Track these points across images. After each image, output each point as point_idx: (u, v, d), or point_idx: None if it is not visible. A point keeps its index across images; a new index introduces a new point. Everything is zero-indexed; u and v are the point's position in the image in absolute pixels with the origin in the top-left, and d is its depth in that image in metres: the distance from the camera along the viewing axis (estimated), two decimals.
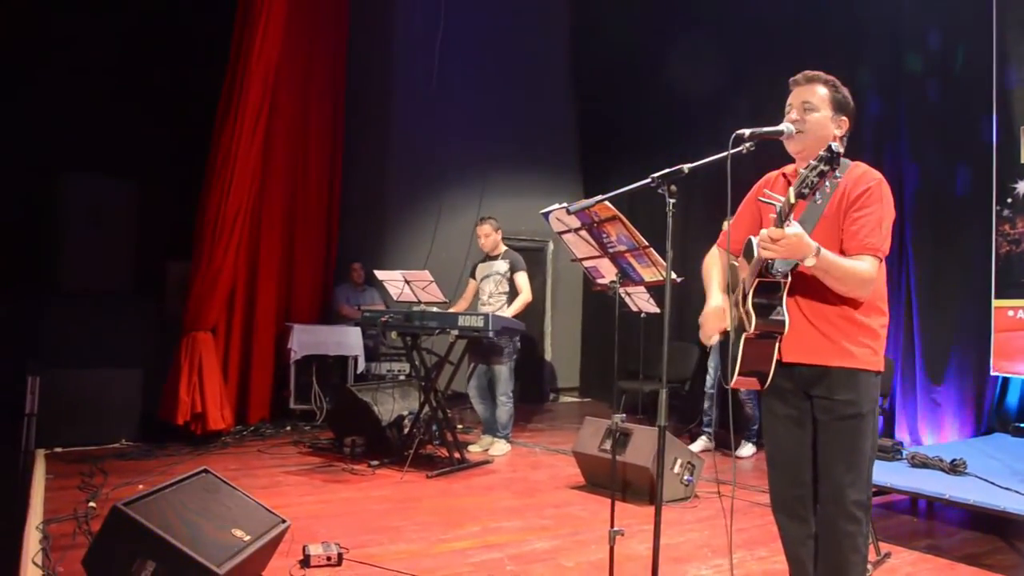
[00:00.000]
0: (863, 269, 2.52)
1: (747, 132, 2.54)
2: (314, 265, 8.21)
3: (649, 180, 2.49)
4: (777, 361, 2.61)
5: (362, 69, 8.63)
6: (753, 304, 2.54)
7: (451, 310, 6.37)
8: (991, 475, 4.45)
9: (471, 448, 6.35)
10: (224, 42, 6.65)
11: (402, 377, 7.47)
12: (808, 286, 2.59)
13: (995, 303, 6.19)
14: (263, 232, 7.49)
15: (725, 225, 6.49)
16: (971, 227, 6.34)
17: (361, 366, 7.79)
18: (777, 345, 2.58)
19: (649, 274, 2.92)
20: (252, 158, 6.65)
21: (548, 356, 10.24)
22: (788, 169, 2.81)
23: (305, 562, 3.60)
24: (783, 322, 2.54)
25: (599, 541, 4.03)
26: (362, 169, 8.66)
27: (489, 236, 6.48)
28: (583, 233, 2.95)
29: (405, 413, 6.19)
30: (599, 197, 2.69)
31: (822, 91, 2.68)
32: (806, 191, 2.27)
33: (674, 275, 2.57)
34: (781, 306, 2.55)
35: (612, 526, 2.87)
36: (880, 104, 6.90)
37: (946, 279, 6.53)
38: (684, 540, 4.19)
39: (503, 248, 6.57)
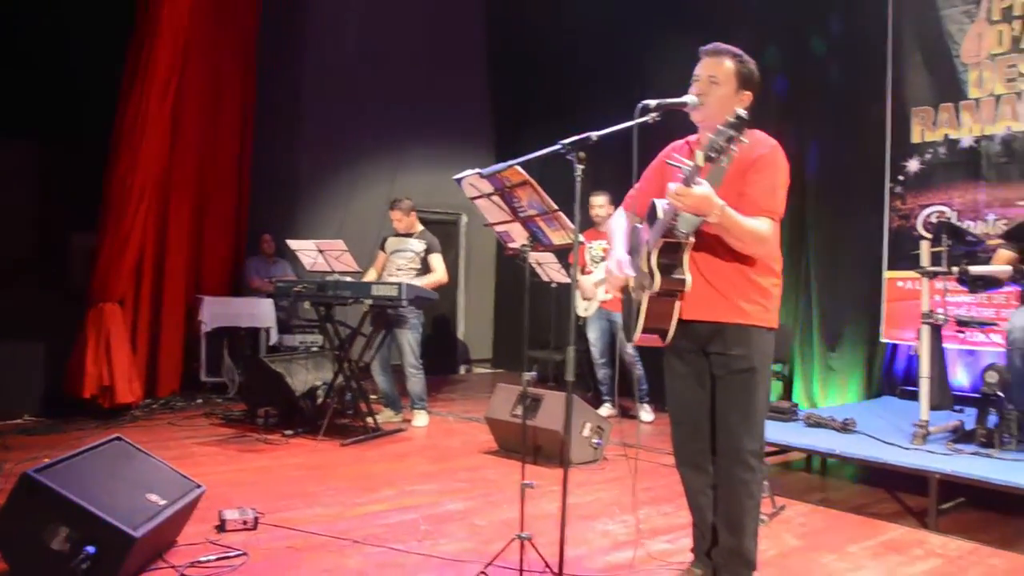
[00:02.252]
0: (761, 228, 2.68)
1: (653, 103, 2.66)
2: (224, 236, 8.08)
3: (559, 146, 2.59)
4: (678, 319, 2.76)
5: (275, 38, 8.47)
6: (658, 263, 2.68)
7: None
8: (878, 432, 4.76)
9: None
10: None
11: (315, 348, 7.45)
12: (707, 247, 2.74)
13: (886, 274, 6.56)
14: (172, 202, 7.33)
15: (597, 200, 6.68)
16: (866, 203, 6.69)
17: (274, 338, 7.75)
18: (678, 303, 2.73)
19: (558, 237, 3.03)
20: (161, 124, 6.52)
21: (461, 329, 10.34)
22: (692, 138, 2.95)
23: (221, 527, 3.62)
24: (684, 281, 2.69)
25: (511, 501, 4.16)
26: (273, 140, 8.52)
27: (402, 220, 6.47)
28: (495, 198, 3.03)
29: (318, 384, 6.19)
30: (511, 162, 2.78)
31: (728, 64, 2.81)
32: (713, 155, 2.40)
33: (582, 238, 2.69)
34: (683, 266, 2.70)
35: (523, 478, 3.00)
36: (785, 84, 7.18)
37: (842, 252, 6.88)
38: (593, 499, 4.36)
39: (419, 228, 6.58)
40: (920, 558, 3.57)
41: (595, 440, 5.09)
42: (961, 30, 6.16)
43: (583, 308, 6.71)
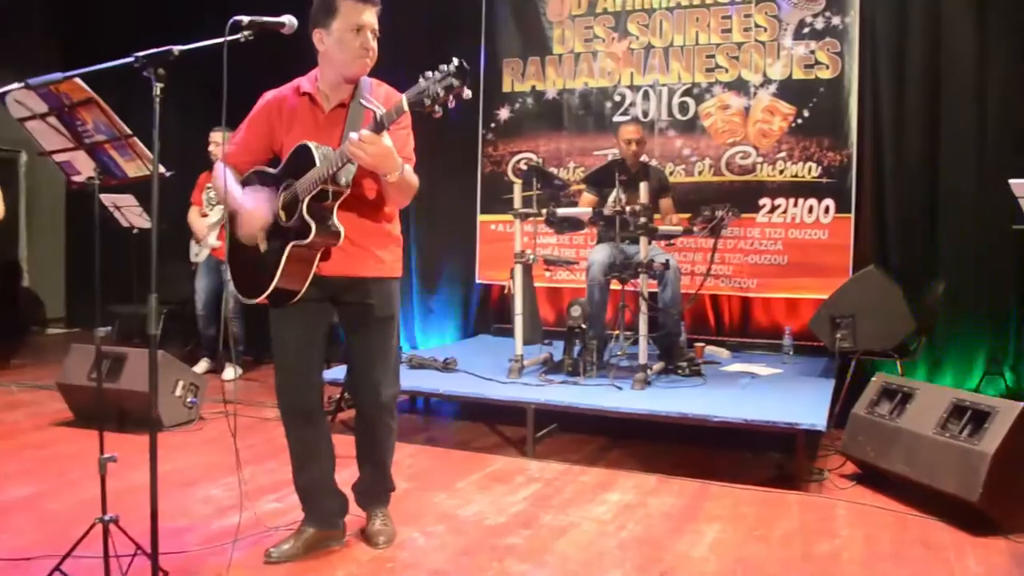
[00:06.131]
0: (416, 180, 2.67)
1: (245, 19, 2.37)
2: None
3: (132, 59, 2.17)
4: (313, 274, 2.62)
5: None
6: (311, 212, 2.50)
7: None
8: (477, 369, 4.94)
9: None
10: None
11: None
12: (351, 200, 2.62)
13: (480, 218, 6.86)
14: None
15: (217, 136, 6.01)
16: (462, 150, 6.90)
17: None
18: (318, 256, 2.60)
19: (133, 168, 2.58)
20: None
21: (27, 284, 8.94)
22: (306, 87, 2.72)
23: None
24: (339, 233, 2.57)
25: (91, 478, 3.59)
26: None
27: None
28: (52, 120, 2.47)
29: None
30: (69, 73, 2.28)
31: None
32: (428, 101, 2.25)
33: (163, 168, 2.30)
34: (334, 217, 2.56)
35: (102, 451, 2.56)
36: (384, 29, 7.07)
37: (439, 197, 7.03)
38: (192, 463, 3.97)
39: None
40: (522, 485, 3.75)
41: (190, 399, 4.65)
42: None
43: (194, 253, 6.10)
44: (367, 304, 2.75)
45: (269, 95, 2.78)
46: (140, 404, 4.35)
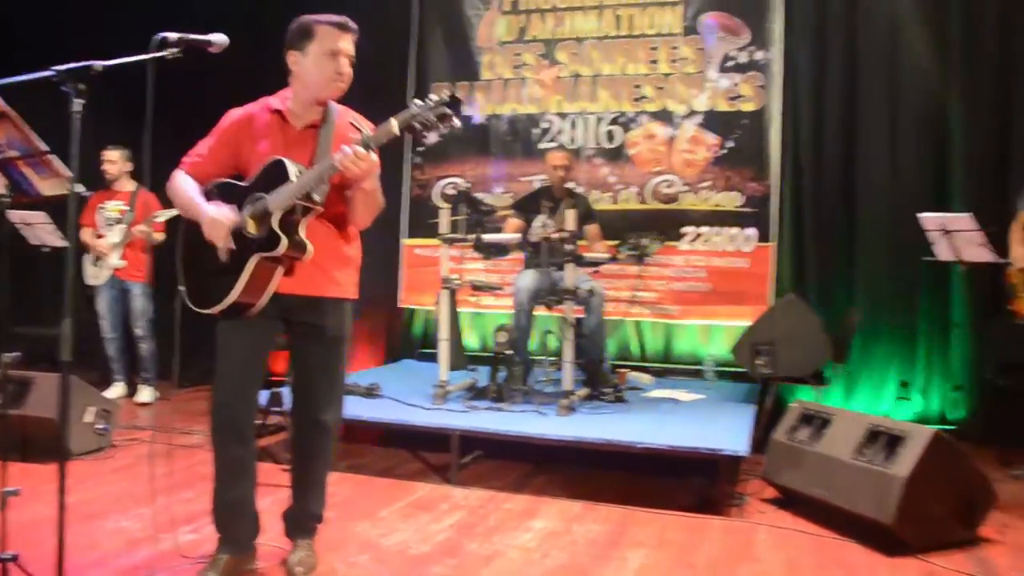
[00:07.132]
0: (383, 200, 2.74)
1: (173, 36, 2.36)
2: None
3: (51, 73, 2.10)
4: (272, 291, 2.61)
5: None
6: (282, 225, 2.50)
7: None
8: (401, 395, 4.88)
9: None
10: None
11: None
12: (314, 220, 2.61)
13: (404, 242, 6.80)
14: None
15: (111, 155, 5.85)
16: (388, 172, 6.77)
17: None
18: (280, 271, 2.58)
19: (49, 187, 2.48)
20: None
21: None
22: (277, 105, 2.72)
23: None
24: (307, 247, 2.55)
25: None
26: None
27: None
28: None
29: None
30: None
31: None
32: (418, 126, 2.31)
33: (81, 188, 2.22)
34: (301, 232, 2.55)
35: (3, 486, 2.42)
36: None
37: None
38: (101, 493, 3.79)
39: None
40: (447, 512, 3.69)
41: (100, 425, 4.46)
42: (478, 15, 6.58)
43: (92, 276, 5.88)
44: (320, 325, 2.74)
45: (236, 112, 2.77)
46: (46, 431, 4.13)
